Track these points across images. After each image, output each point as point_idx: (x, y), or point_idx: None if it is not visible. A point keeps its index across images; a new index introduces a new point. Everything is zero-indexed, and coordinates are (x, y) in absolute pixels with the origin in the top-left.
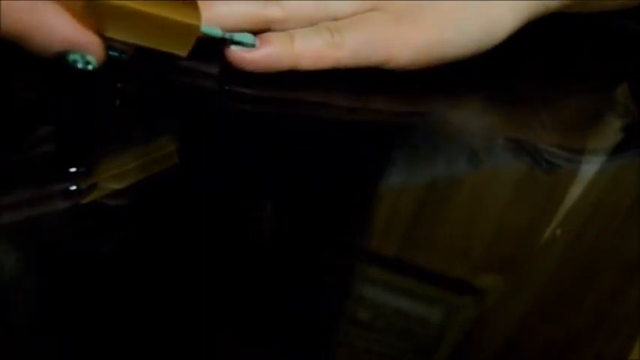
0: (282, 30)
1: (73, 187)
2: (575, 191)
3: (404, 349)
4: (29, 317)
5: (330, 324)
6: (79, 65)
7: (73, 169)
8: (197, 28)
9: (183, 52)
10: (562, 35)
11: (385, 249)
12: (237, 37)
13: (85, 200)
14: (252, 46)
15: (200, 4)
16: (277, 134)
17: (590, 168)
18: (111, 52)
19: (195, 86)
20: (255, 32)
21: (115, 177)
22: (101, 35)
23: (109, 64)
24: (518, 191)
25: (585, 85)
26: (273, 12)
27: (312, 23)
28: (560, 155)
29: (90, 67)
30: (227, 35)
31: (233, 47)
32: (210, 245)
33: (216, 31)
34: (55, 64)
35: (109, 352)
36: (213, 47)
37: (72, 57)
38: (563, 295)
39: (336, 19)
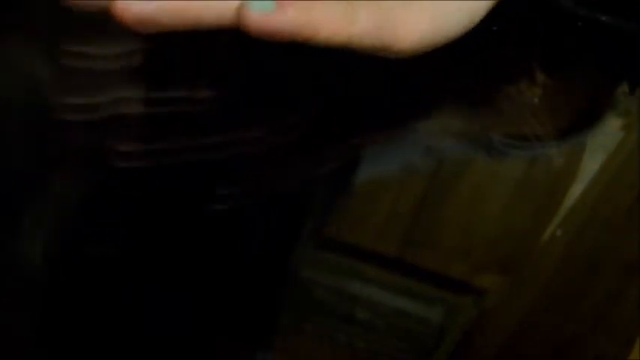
0: None
1: None
2: (575, 191)
3: (404, 349)
4: (32, 318)
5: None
6: None
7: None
8: None
9: None
10: (562, 35)
11: (385, 249)
12: (257, 4)
13: None
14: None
15: None
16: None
17: (590, 167)
18: None
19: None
20: None
21: None
22: None
23: None
24: (518, 191)
25: (585, 85)
26: None
27: None
28: (560, 153)
29: None
30: None
31: (253, 12)
32: (210, 245)
33: None
34: None
35: (109, 353)
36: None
37: None
38: (563, 295)
39: None
